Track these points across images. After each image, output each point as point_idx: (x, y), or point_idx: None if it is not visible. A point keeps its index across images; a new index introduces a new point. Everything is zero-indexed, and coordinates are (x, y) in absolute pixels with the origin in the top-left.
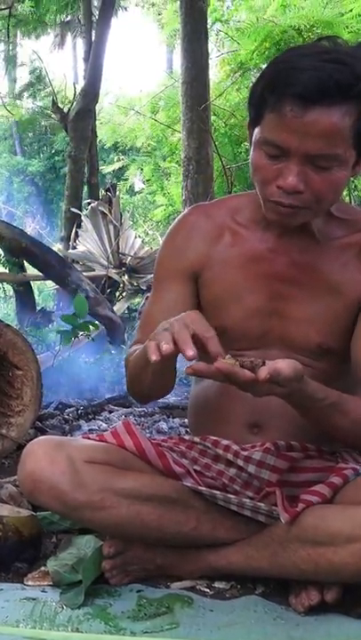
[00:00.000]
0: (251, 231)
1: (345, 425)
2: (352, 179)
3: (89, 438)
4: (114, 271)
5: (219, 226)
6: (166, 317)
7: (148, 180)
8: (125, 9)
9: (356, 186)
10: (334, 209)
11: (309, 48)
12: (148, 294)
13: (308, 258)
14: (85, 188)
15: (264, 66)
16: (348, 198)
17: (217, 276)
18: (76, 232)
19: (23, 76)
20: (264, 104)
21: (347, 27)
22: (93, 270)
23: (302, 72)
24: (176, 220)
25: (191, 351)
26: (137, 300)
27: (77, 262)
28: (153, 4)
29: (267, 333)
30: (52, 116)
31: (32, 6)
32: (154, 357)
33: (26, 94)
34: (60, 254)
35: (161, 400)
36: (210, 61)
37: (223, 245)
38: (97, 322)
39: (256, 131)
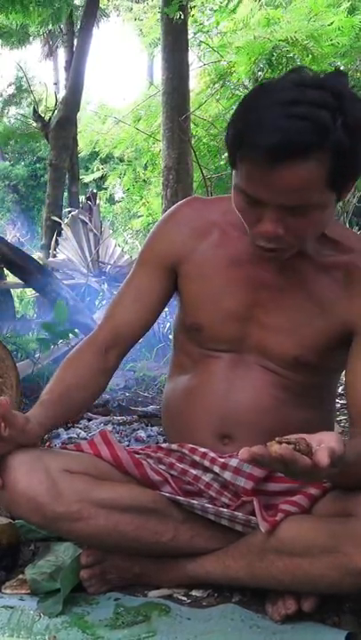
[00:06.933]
0: (239, 233)
1: None
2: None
3: (66, 448)
4: (93, 279)
5: (210, 222)
6: (133, 303)
7: (127, 190)
8: (107, 16)
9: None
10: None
11: (277, 93)
12: None
13: (293, 269)
14: (66, 196)
15: (247, 81)
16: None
17: (197, 273)
18: (57, 240)
19: (3, 86)
20: (236, 152)
21: (331, 39)
22: (73, 278)
23: (269, 133)
24: (172, 207)
25: None
26: None
27: (57, 270)
28: (130, 9)
29: (244, 339)
30: (34, 124)
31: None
32: None
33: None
34: (41, 262)
35: (140, 408)
36: (190, 72)
37: (209, 243)
38: (77, 330)
39: (233, 174)
